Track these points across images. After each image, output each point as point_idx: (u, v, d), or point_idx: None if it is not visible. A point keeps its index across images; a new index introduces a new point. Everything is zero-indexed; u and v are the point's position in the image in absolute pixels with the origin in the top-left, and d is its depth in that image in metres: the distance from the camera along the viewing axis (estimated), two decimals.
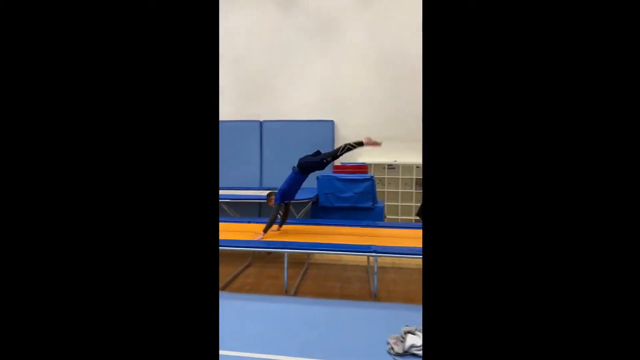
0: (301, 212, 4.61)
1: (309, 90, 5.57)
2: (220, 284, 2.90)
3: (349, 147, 3.03)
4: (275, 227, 3.19)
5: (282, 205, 3.10)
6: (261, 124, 5.60)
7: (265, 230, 2.97)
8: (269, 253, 2.83)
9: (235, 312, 2.38)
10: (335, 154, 3.09)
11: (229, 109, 5.74)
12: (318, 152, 3.18)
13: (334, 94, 5.47)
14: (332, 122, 5.46)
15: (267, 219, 3.06)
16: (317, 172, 3.37)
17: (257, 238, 2.92)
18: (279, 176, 5.58)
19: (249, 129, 5.60)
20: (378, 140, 3.09)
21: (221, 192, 4.83)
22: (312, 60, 5.56)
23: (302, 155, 5.31)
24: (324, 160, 3.07)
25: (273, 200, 3.12)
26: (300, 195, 4.43)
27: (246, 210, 5.06)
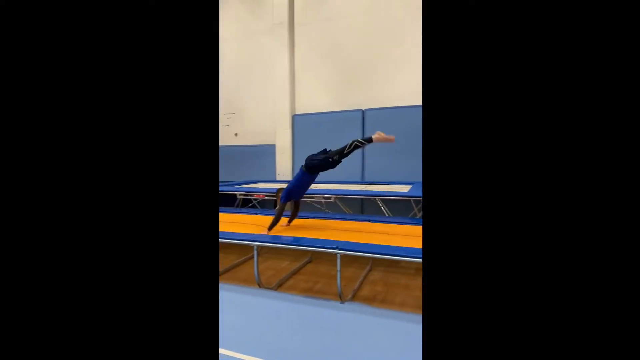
0: (418, 208, 4.08)
1: (416, 74, 4.96)
2: (348, 292, 2.57)
3: (356, 145, 2.72)
4: (284, 220, 3.14)
5: (285, 204, 2.97)
6: (363, 112, 5.20)
7: (269, 228, 2.90)
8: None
9: (388, 337, 2.01)
10: (342, 152, 2.76)
11: (327, 100, 5.46)
12: (325, 151, 2.91)
13: None
14: None
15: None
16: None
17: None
18: (383, 170, 5.17)
19: (350, 119, 5.23)
20: (390, 136, 2.73)
21: (320, 187, 4.57)
22: (419, 40, 4.93)
23: (410, 145, 4.83)
24: (330, 160, 2.80)
25: (279, 198, 3.01)
26: (418, 192, 3.94)
27: (352, 206, 4.72)
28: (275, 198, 3.27)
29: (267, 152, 5.78)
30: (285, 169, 5.62)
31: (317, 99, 5.51)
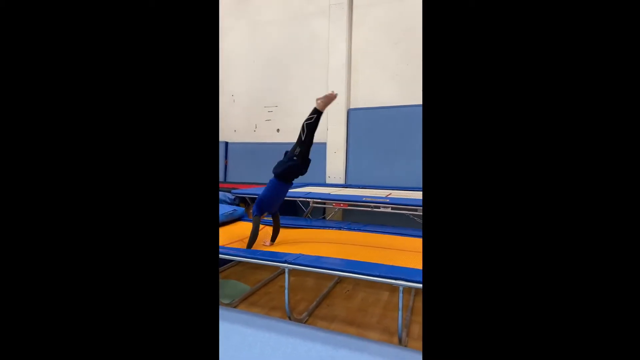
0: None
1: None
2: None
3: (308, 124, 2.37)
4: (266, 240, 2.66)
5: (260, 218, 2.51)
6: None
7: (248, 248, 2.41)
8: None
9: None
10: (301, 141, 2.40)
11: (391, 92, 4.69)
12: (285, 153, 2.54)
13: None
14: None
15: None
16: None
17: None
18: None
19: (417, 114, 4.46)
20: (328, 94, 2.41)
21: (379, 192, 3.78)
22: None
23: None
24: (294, 157, 2.42)
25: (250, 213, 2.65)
26: None
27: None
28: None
29: (315, 150, 5.02)
30: (337, 171, 4.86)
31: (379, 91, 4.75)
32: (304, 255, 2.09)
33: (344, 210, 4.46)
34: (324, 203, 3.92)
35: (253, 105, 5.65)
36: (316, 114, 2.39)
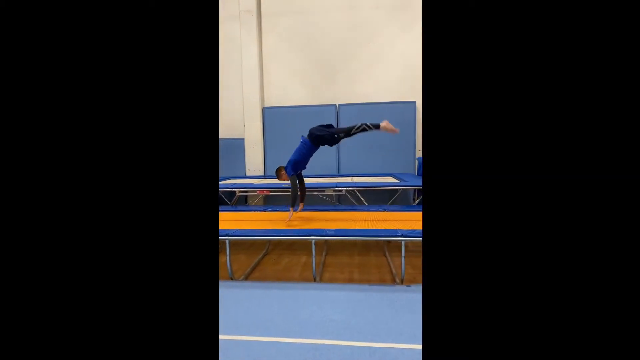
0: None
1: (389, 71, 5.21)
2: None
3: (364, 127, 2.83)
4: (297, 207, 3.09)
5: (295, 177, 2.98)
6: (337, 108, 5.28)
7: (293, 205, 2.94)
8: None
9: None
10: (349, 132, 2.87)
11: (302, 94, 5.41)
12: (330, 126, 3.02)
13: (416, 73, 5.13)
14: (414, 103, 5.12)
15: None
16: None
17: (289, 218, 2.91)
18: (358, 163, 5.33)
19: (324, 113, 5.26)
20: (396, 128, 2.91)
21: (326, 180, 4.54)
22: (393, 38, 5.20)
23: (381, 141, 5.06)
24: (335, 136, 2.91)
25: (284, 175, 2.99)
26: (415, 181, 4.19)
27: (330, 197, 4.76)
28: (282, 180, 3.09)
29: (234, 145, 5.49)
30: (256, 163, 5.40)
31: (289, 92, 5.43)
32: (239, 229, 2.67)
33: (266, 196, 5.07)
34: (247, 192, 4.49)
35: None
36: (375, 128, 2.81)
